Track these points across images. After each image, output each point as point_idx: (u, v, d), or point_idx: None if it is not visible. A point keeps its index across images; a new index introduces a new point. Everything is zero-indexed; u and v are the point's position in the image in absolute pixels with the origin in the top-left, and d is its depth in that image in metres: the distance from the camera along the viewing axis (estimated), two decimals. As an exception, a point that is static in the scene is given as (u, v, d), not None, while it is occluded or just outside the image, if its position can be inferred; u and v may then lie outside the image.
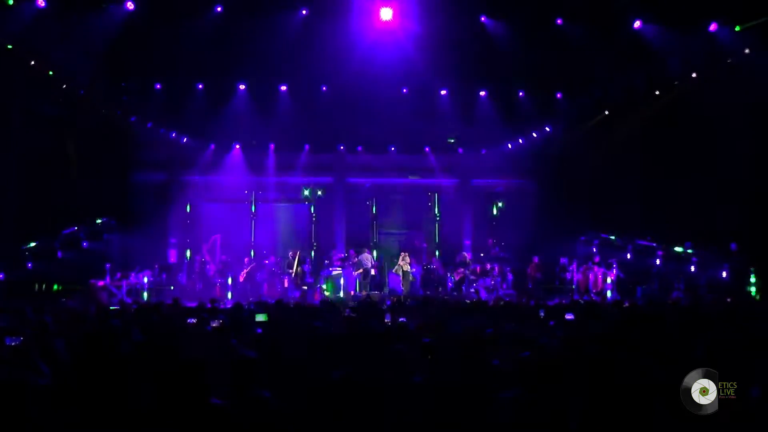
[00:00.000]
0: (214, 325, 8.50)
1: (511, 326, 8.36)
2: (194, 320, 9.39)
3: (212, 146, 24.17)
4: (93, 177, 20.16)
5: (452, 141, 25.01)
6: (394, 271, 22.00)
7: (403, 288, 21.41)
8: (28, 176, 18.41)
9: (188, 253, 24.12)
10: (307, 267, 22.43)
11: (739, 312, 10.57)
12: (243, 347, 6.42)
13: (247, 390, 4.89)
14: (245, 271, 21.76)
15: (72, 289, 18.80)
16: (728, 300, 14.96)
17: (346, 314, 10.81)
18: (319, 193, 26.35)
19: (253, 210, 26.06)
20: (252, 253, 24.46)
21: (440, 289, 21.91)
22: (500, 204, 26.72)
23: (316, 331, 7.72)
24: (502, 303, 15.14)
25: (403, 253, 22.44)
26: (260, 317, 9.39)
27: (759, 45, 16.70)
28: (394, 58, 18.64)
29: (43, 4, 15.39)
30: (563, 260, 22.06)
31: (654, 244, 20.84)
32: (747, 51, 17.18)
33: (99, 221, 21.66)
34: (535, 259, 22.50)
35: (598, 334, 7.46)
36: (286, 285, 21.69)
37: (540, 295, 20.27)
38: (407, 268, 21.79)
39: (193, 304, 14.02)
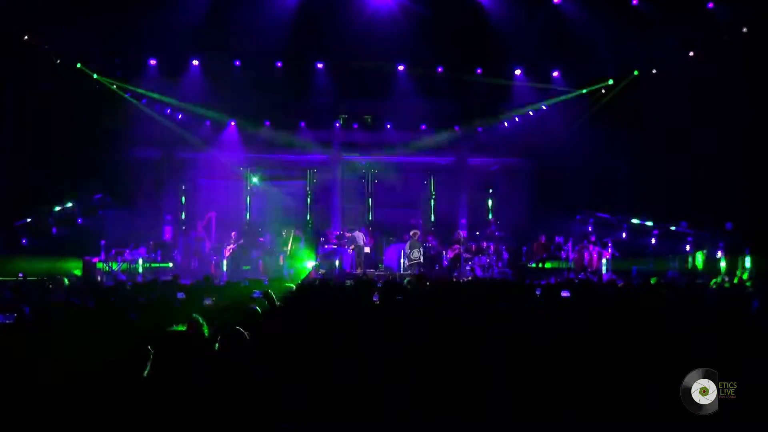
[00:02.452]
0: (207, 302, 8.47)
1: (505, 305, 8.35)
2: (183, 295, 9.39)
3: (207, 123, 24.04)
4: (88, 153, 20.06)
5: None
6: (408, 262, 21.24)
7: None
8: (23, 152, 18.34)
9: (183, 229, 24.09)
10: (302, 245, 22.34)
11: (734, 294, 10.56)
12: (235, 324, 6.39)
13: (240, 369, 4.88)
14: (231, 246, 21.59)
15: (68, 267, 18.76)
16: (726, 279, 14.94)
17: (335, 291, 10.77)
18: (315, 170, 26.33)
19: (249, 187, 25.98)
20: (247, 226, 24.47)
21: (436, 266, 21.88)
22: (496, 182, 26.66)
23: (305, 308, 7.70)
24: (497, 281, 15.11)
25: (412, 241, 21.33)
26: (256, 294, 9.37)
27: (756, 24, 16.66)
28: (390, 35, 18.54)
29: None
30: (559, 239, 22.07)
31: (649, 223, 20.86)
32: (744, 29, 17.15)
33: (94, 197, 21.59)
34: (542, 238, 22.42)
35: (594, 314, 7.46)
36: (281, 263, 21.64)
37: (535, 274, 20.30)
38: (416, 255, 21.08)
39: (188, 281, 14.01)
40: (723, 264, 18.19)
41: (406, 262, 21.04)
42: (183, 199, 25.16)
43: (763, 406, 4.66)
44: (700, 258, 19.55)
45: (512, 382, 5.09)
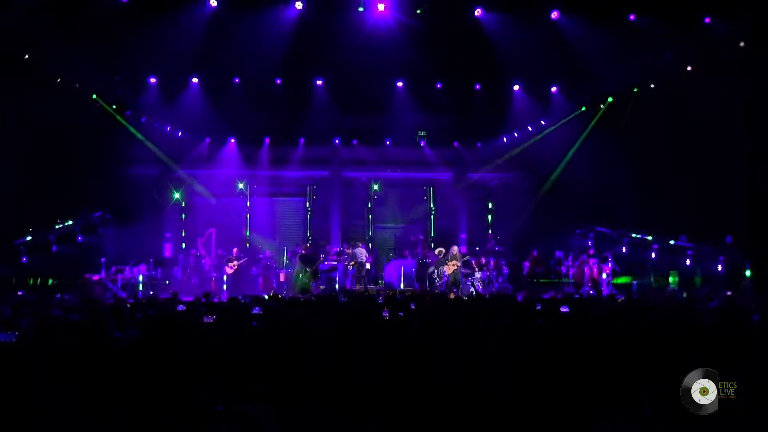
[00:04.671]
0: (207, 320, 8.45)
1: (505, 320, 8.35)
2: (183, 308, 9.40)
3: (207, 140, 24.10)
4: (88, 171, 20.06)
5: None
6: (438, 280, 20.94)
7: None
8: (23, 171, 18.36)
9: (183, 246, 24.10)
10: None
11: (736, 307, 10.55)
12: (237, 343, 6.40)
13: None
14: (236, 263, 21.47)
15: (67, 284, 18.75)
16: (728, 293, 14.82)
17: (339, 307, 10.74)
18: (315, 186, 26.39)
19: (248, 204, 26.01)
20: (247, 245, 24.50)
21: (437, 282, 21.82)
22: (495, 197, 26.66)
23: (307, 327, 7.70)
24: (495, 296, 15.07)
25: (439, 259, 20.92)
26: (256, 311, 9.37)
27: (753, 39, 16.73)
28: (389, 52, 18.61)
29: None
30: (558, 253, 22.06)
31: (649, 237, 20.86)
32: (742, 44, 17.21)
33: (94, 215, 21.60)
34: (534, 253, 22.43)
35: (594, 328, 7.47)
36: (282, 279, 21.62)
37: (535, 289, 20.25)
38: (452, 269, 20.34)
39: (188, 299, 13.99)
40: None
41: (437, 280, 20.84)
42: (183, 216, 25.17)
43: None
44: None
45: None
